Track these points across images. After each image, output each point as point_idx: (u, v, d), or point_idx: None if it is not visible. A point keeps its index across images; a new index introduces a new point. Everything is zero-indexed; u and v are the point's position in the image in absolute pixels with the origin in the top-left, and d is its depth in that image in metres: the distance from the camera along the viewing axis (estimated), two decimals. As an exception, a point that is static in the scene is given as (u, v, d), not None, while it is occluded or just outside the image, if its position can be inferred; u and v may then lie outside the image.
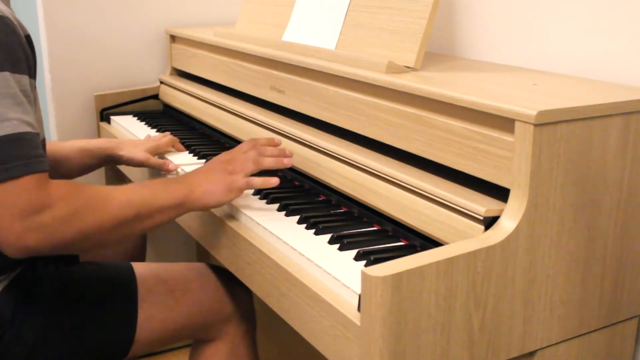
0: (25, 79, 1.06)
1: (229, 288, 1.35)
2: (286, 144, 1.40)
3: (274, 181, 1.22)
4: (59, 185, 1.02)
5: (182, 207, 1.14)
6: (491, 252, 0.93)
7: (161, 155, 1.60)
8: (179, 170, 1.49)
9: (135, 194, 1.10)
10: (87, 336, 1.21)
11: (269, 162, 1.24)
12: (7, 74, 1.01)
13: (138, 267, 1.31)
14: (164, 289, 1.28)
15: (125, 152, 1.54)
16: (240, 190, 1.20)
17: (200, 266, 1.38)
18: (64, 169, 1.50)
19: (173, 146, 1.62)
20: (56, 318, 1.19)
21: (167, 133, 1.66)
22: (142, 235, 1.69)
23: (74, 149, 1.53)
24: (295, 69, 1.43)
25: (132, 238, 1.64)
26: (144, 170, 1.65)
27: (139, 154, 1.52)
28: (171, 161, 1.51)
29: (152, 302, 1.26)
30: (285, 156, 1.26)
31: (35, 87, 1.15)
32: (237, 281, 1.23)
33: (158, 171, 1.57)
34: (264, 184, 1.22)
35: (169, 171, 1.49)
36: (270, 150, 1.26)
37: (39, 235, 0.98)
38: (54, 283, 1.23)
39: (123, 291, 1.26)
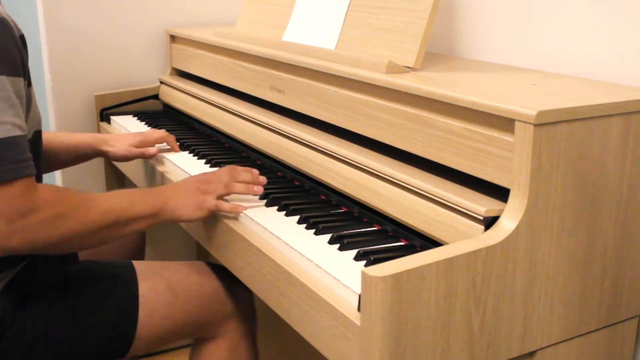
0: (20, 81, 1.08)
1: (229, 286, 1.35)
2: (286, 144, 1.41)
3: (241, 209, 1.23)
4: (45, 190, 1.06)
5: (156, 217, 1.20)
6: (491, 252, 0.93)
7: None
8: (160, 155, 1.58)
9: (115, 202, 1.15)
10: (88, 334, 1.21)
11: (239, 188, 1.26)
12: (3, 77, 1.03)
13: (138, 265, 1.32)
14: (164, 287, 1.29)
15: (109, 147, 1.56)
16: (209, 211, 1.23)
17: (200, 264, 1.38)
18: (51, 162, 1.50)
19: (171, 147, 1.61)
20: (56, 316, 1.19)
21: (162, 130, 1.65)
22: (141, 235, 1.69)
23: (62, 144, 1.54)
24: (295, 69, 1.43)
25: (132, 237, 1.64)
26: (139, 166, 1.65)
27: (122, 148, 1.55)
28: (156, 147, 1.56)
29: (152, 300, 1.26)
30: (257, 184, 1.28)
31: (30, 85, 1.16)
32: (237, 280, 1.23)
33: (153, 168, 1.57)
34: (232, 210, 1.23)
35: (150, 156, 1.56)
36: (244, 176, 1.28)
37: (23, 237, 1.02)
38: (54, 281, 1.23)
39: (123, 289, 1.26)
